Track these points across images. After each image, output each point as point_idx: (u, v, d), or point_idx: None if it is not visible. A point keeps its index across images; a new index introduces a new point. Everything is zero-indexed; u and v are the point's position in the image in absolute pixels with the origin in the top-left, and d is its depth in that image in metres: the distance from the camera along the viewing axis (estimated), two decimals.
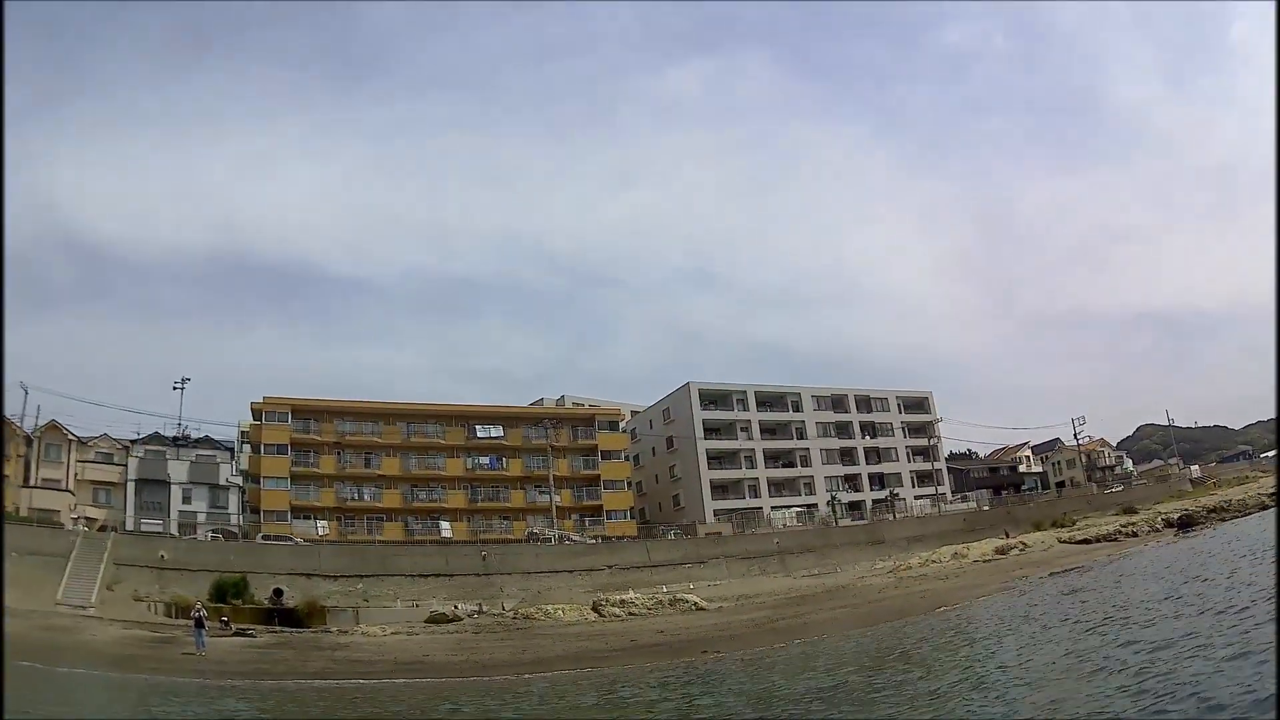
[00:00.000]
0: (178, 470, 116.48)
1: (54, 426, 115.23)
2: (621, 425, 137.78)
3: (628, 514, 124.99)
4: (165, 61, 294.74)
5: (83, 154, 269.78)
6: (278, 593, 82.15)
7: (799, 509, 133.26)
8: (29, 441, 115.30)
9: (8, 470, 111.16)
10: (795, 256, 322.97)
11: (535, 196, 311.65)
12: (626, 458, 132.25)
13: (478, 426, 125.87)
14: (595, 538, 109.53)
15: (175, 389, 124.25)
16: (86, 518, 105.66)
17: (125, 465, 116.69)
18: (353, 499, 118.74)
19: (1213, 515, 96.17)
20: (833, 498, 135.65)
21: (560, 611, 73.07)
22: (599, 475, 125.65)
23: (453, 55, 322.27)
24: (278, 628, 73.12)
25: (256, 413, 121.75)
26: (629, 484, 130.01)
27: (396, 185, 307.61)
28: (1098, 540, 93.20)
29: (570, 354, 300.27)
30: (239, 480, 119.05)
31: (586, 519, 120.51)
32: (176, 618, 74.65)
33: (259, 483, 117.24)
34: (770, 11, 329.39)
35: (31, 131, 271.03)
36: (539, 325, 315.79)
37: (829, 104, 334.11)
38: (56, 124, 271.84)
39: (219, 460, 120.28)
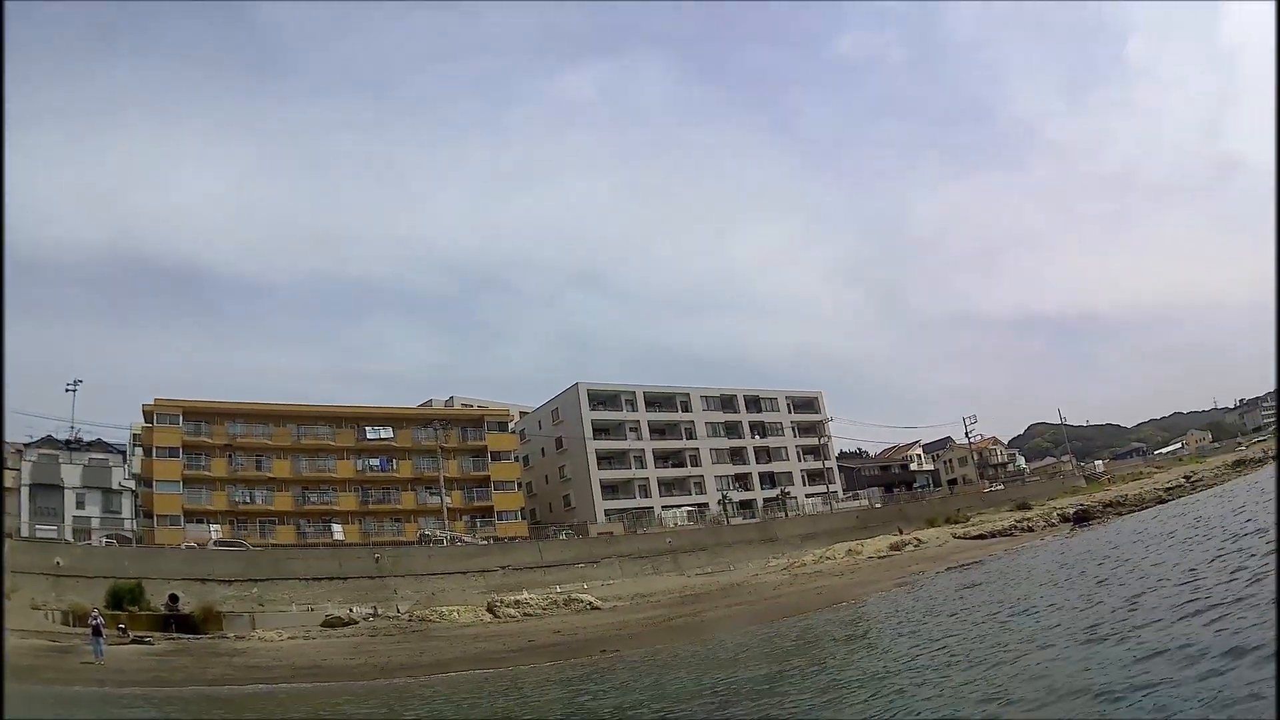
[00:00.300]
0: (71, 474, 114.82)
1: None
2: (511, 426, 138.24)
3: (519, 514, 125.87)
4: (71, 56, 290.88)
5: None
6: (173, 599, 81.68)
7: (690, 508, 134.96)
8: None
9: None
10: (687, 260, 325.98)
11: (427, 200, 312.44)
12: (516, 458, 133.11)
13: (368, 428, 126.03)
14: (487, 539, 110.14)
15: (68, 391, 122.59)
16: None
17: (19, 469, 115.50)
18: (245, 502, 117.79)
19: (1109, 510, 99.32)
20: (724, 497, 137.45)
21: (455, 613, 73.35)
22: (489, 476, 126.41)
23: (351, 57, 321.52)
24: (175, 634, 72.42)
25: (148, 415, 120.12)
26: (519, 485, 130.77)
27: (291, 188, 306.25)
28: (993, 535, 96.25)
29: (461, 356, 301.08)
30: (131, 484, 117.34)
31: (478, 520, 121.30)
32: (74, 626, 74.14)
33: (151, 486, 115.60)
34: (667, 16, 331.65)
35: None
36: (430, 328, 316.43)
37: (723, 109, 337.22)
38: None
39: (112, 464, 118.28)
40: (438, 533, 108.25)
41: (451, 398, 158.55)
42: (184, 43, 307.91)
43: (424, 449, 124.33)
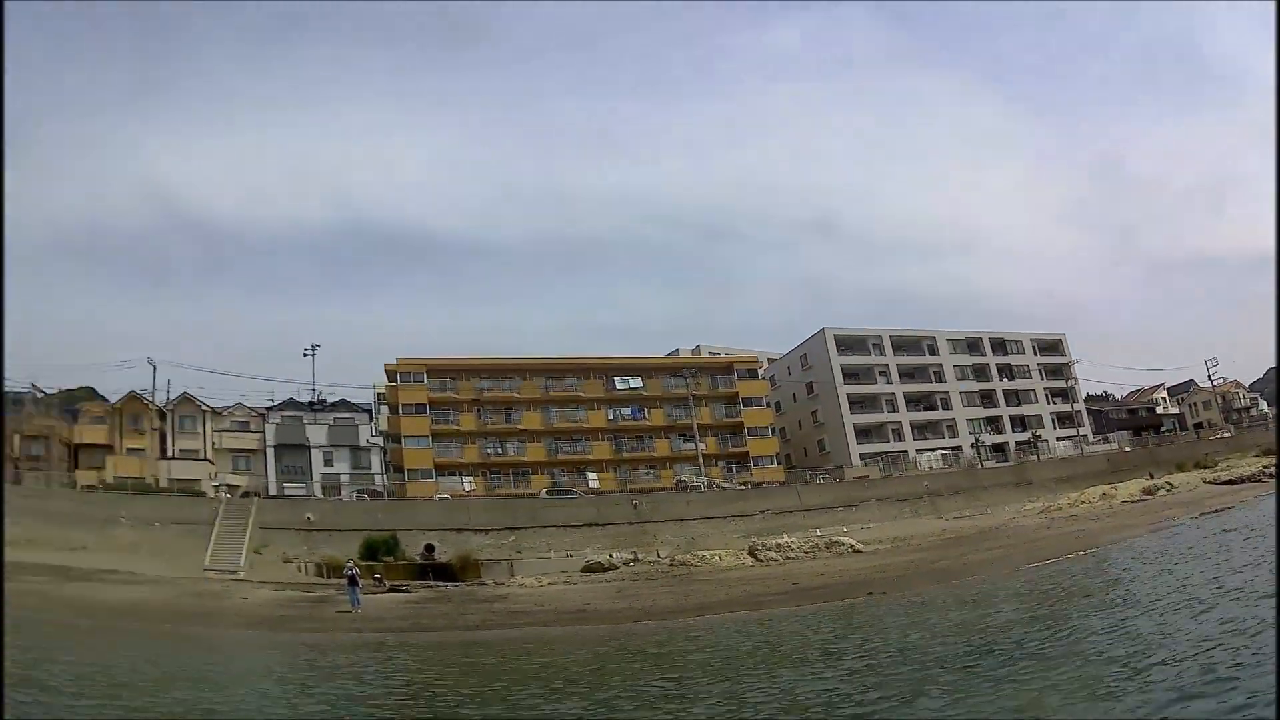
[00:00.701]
0: (316, 434, 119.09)
1: (187, 399, 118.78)
2: (760, 373, 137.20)
3: (774, 460, 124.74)
4: (261, 47, 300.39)
5: (188, 140, 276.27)
6: (429, 548, 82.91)
7: (943, 451, 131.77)
8: (163, 415, 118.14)
9: (146, 444, 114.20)
10: (916, 205, 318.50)
11: (651, 154, 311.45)
12: (768, 404, 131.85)
13: (616, 378, 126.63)
14: (744, 484, 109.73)
15: (305, 356, 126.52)
16: (228, 485, 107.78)
17: (263, 432, 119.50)
18: (496, 454, 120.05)
19: None
20: (976, 440, 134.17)
21: (717, 557, 73.13)
22: (742, 422, 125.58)
23: (554, 19, 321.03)
24: (432, 583, 73.95)
25: (391, 374, 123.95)
26: (773, 430, 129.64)
27: (511, 151, 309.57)
28: (1243, 481, 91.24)
29: (698, 308, 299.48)
30: (379, 441, 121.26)
31: (733, 466, 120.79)
32: (328, 578, 75.63)
33: (400, 442, 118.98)
34: None
35: (134, 120, 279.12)
36: (665, 281, 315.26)
37: (931, 54, 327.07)
38: (157, 112, 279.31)
39: (358, 422, 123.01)
40: (694, 479, 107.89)
41: (698, 346, 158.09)
42: (383, 21, 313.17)
43: (674, 397, 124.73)
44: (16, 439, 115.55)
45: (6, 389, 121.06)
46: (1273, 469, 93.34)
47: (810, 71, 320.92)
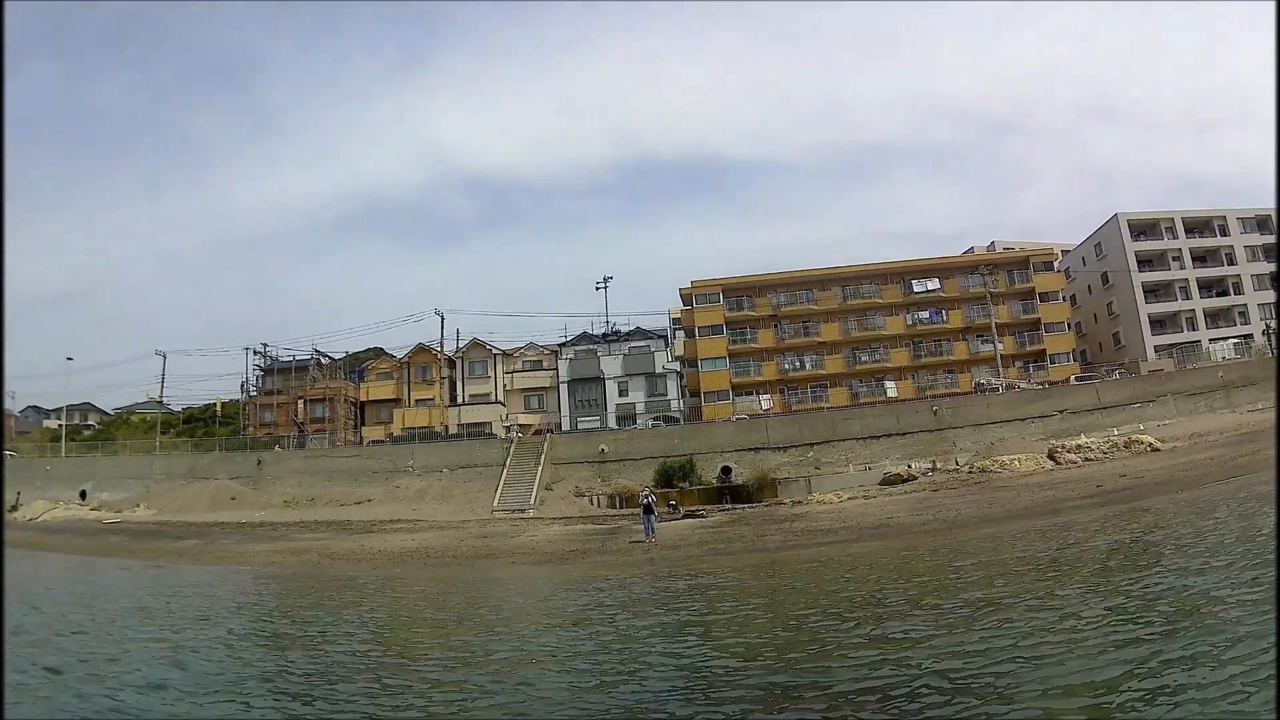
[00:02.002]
0: (610, 365, 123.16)
1: (476, 344, 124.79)
2: (1055, 265, 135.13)
3: (1069, 357, 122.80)
4: None
5: (460, 100, 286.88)
6: (725, 470, 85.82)
7: (1235, 340, 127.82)
8: (451, 363, 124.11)
9: (434, 394, 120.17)
10: (1191, 77, 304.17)
11: (924, 51, 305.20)
12: (1063, 298, 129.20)
13: (913, 282, 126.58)
14: (1041, 383, 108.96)
15: (598, 290, 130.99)
16: (520, 425, 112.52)
17: (555, 369, 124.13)
18: (794, 369, 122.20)
19: None
20: (1268, 327, 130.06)
21: (1016, 462, 73.01)
22: (1039, 319, 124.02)
23: None
24: (729, 505, 76.27)
25: (686, 298, 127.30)
26: (1069, 325, 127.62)
27: (784, 64, 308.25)
28: None
29: (984, 207, 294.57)
30: (675, 366, 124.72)
31: (1030, 365, 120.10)
32: (621, 508, 78.82)
33: (696, 366, 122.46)
34: None
35: (404, 90, 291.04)
36: (950, 180, 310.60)
37: None
38: (430, 78, 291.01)
39: (653, 349, 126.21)
40: (992, 380, 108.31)
41: (992, 243, 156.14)
42: None
43: (972, 297, 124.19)
44: (300, 404, 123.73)
45: (294, 358, 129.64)
46: None
47: None
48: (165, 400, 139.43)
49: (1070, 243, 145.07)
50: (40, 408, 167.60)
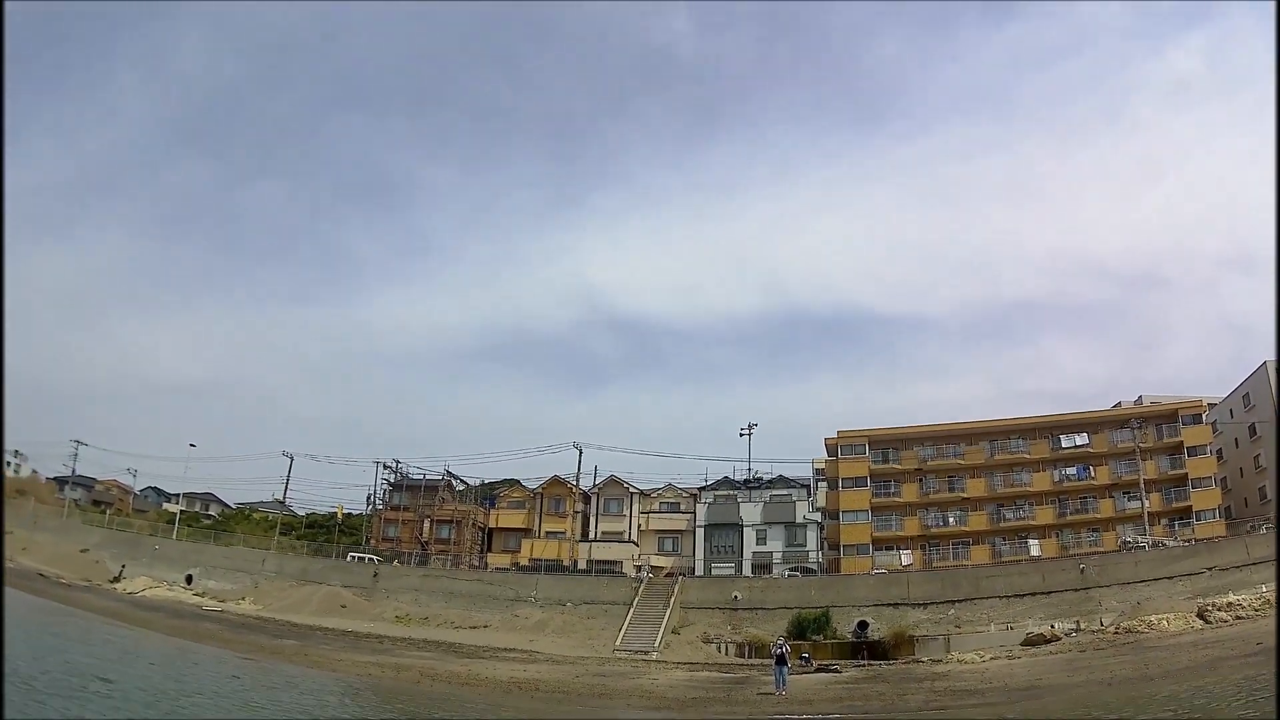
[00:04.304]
0: (750, 512, 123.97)
1: (614, 481, 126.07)
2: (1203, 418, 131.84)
3: (1216, 513, 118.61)
4: (673, 142, 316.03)
5: (611, 241, 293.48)
6: (862, 625, 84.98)
7: None
8: (587, 498, 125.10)
9: (566, 527, 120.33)
10: None
11: (1068, 207, 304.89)
12: (1210, 452, 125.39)
13: (1062, 436, 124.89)
14: (1188, 540, 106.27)
15: (742, 436, 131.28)
16: (651, 566, 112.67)
17: (693, 513, 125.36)
18: (937, 525, 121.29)
19: None
20: None
21: (1164, 622, 71.09)
22: (1186, 475, 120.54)
23: (958, 80, 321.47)
24: (863, 661, 75.67)
25: (831, 448, 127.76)
26: (1215, 481, 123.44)
27: (931, 220, 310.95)
28: None
29: (1126, 362, 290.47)
30: (816, 517, 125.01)
31: (1176, 522, 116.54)
32: (750, 657, 78.46)
33: (838, 518, 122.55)
34: None
35: (559, 227, 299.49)
36: (1092, 337, 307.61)
37: None
38: (583, 219, 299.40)
39: (794, 499, 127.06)
40: (1138, 539, 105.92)
41: (1140, 397, 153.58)
42: (785, 104, 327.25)
43: (1119, 452, 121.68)
44: (427, 523, 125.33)
45: (424, 477, 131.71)
46: None
47: (1212, 94, 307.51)
48: (289, 502, 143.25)
49: (1215, 396, 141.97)
50: (161, 490, 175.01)
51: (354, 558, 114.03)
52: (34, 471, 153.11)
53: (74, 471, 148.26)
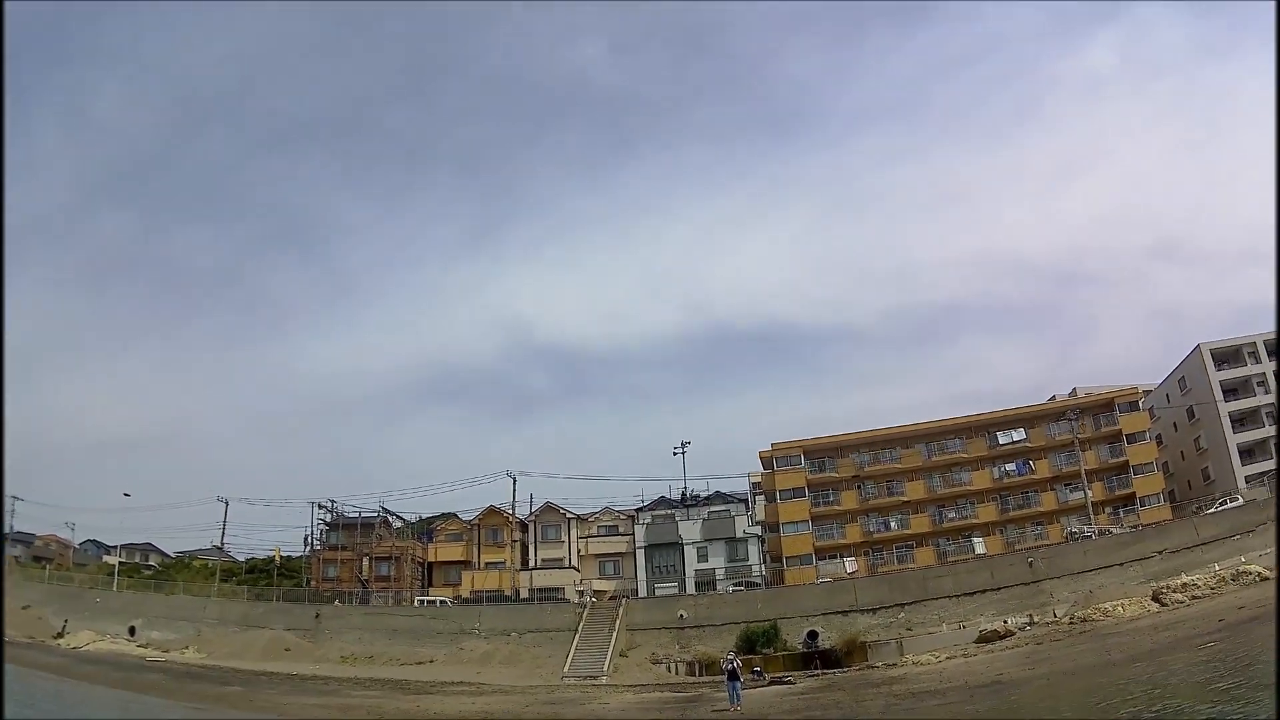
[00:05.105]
0: (690, 530, 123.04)
1: (550, 508, 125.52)
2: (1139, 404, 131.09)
3: (1160, 498, 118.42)
4: (590, 166, 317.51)
5: (535, 270, 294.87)
6: (812, 635, 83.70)
7: None
8: (524, 526, 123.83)
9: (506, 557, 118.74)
10: (1253, 208, 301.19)
11: (991, 208, 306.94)
12: (1149, 438, 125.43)
13: (999, 433, 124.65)
14: (1135, 526, 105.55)
15: (675, 454, 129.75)
16: (594, 590, 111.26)
17: (632, 534, 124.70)
18: (879, 530, 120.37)
19: None
20: None
21: (1120, 608, 70.30)
22: (1127, 462, 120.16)
23: (870, 90, 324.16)
24: (816, 671, 74.69)
25: (766, 460, 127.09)
26: (1157, 466, 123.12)
27: (852, 230, 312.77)
28: None
29: (1059, 357, 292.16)
30: (757, 531, 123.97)
31: (1120, 510, 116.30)
32: (701, 675, 77.29)
33: (778, 530, 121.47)
34: None
35: (480, 258, 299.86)
36: (1023, 335, 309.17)
37: (1239, 40, 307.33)
38: (504, 249, 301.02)
39: (733, 514, 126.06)
40: (1084, 529, 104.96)
41: (1074, 389, 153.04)
42: (698, 124, 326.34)
43: (1058, 444, 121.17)
44: (366, 561, 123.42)
45: (360, 515, 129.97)
46: None
47: (1125, 88, 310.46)
48: (227, 548, 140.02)
49: (1150, 383, 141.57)
50: (101, 542, 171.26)
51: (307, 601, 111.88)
52: None
53: (11, 528, 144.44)
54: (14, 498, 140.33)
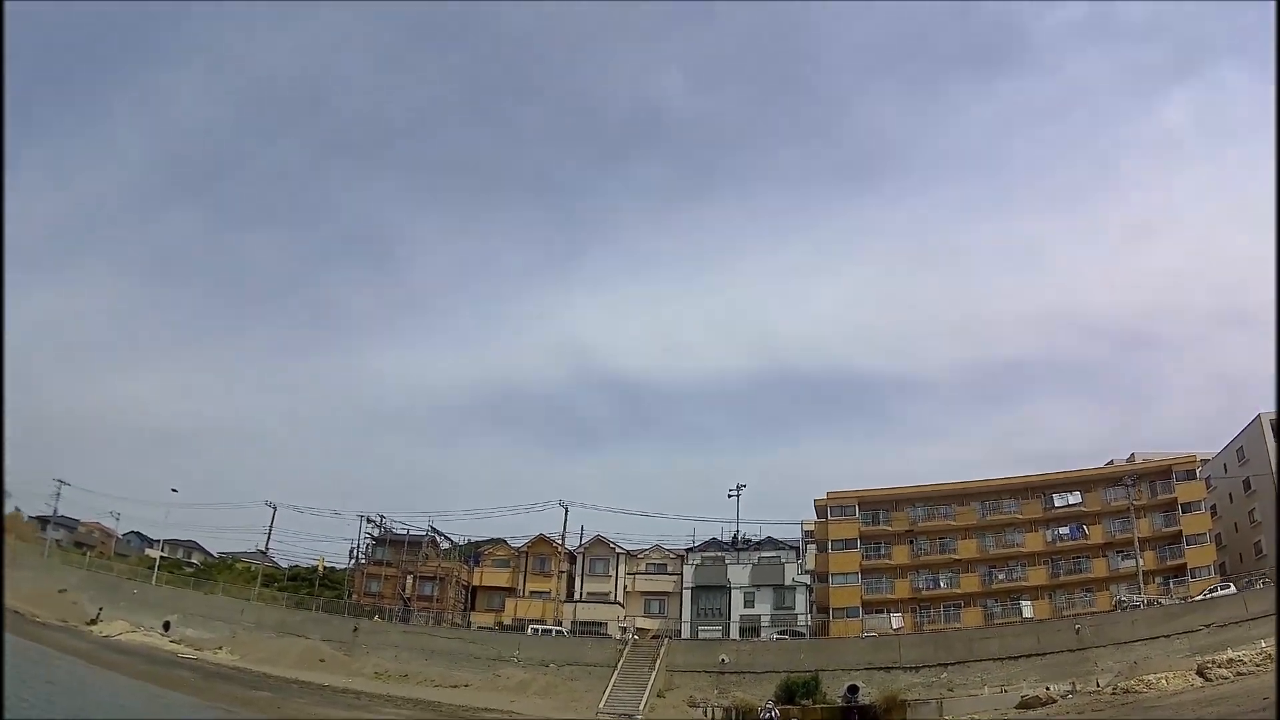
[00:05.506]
0: (738, 574, 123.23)
1: (600, 541, 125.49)
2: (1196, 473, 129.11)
3: (1211, 569, 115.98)
4: (666, 203, 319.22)
5: (606, 302, 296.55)
6: (852, 689, 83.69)
7: None
8: (572, 558, 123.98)
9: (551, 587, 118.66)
10: None
11: (1061, 266, 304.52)
12: (1204, 508, 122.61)
13: (1055, 496, 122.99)
14: (1183, 597, 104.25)
15: (730, 496, 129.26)
16: (637, 628, 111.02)
17: (680, 574, 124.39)
18: (928, 588, 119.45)
19: None
20: None
21: (1163, 681, 69.92)
22: (1180, 532, 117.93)
23: (948, 141, 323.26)
24: None
25: (821, 509, 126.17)
26: (1210, 537, 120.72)
27: (922, 281, 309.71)
28: None
29: (1120, 420, 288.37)
30: (805, 580, 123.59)
31: (1171, 580, 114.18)
32: None
33: (827, 580, 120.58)
34: (1231, 18, 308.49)
35: (550, 285, 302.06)
36: (1085, 396, 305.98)
37: None
38: (574, 278, 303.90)
39: (783, 561, 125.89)
40: (1133, 598, 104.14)
41: (1133, 454, 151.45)
42: (777, 166, 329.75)
43: (1113, 510, 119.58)
44: (410, 579, 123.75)
45: (408, 532, 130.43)
46: None
47: (1203, 149, 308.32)
48: (272, 553, 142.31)
49: (1208, 452, 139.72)
50: (145, 535, 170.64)
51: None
52: (16, 509, 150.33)
53: (56, 511, 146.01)
54: (60, 481, 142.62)
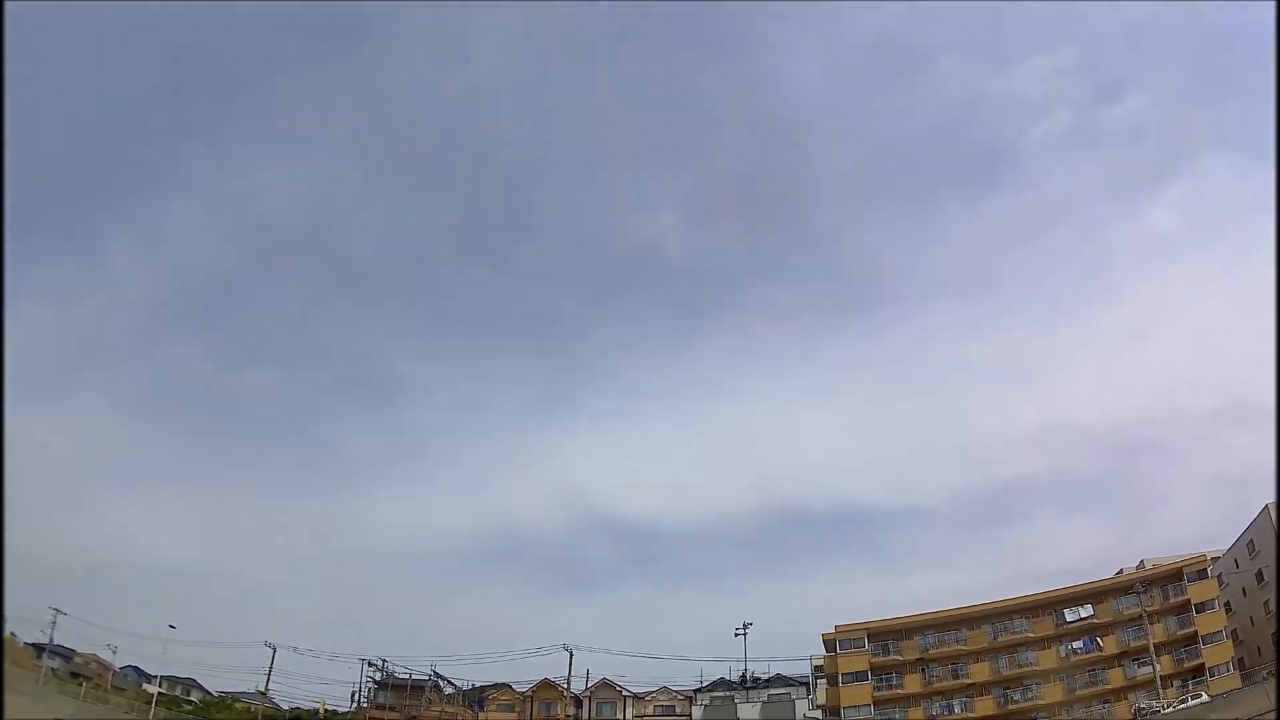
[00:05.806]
0: (748, 712, 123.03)
1: (606, 684, 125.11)
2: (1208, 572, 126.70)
3: (1230, 666, 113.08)
4: (660, 340, 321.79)
5: (601, 441, 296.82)
6: None
7: None
8: (578, 701, 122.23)
9: None
10: None
11: (1057, 379, 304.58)
12: (1218, 606, 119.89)
13: (1066, 610, 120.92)
14: (1198, 694, 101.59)
15: (737, 635, 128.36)
16: None
17: (689, 715, 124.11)
18: (942, 714, 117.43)
19: None
20: None
21: None
22: (1196, 633, 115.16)
23: (940, 262, 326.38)
24: None
25: (829, 643, 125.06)
26: (1226, 634, 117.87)
27: (920, 406, 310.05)
28: None
29: (1126, 528, 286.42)
30: (817, 715, 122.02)
31: (1189, 682, 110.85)
32: None
33: (839, 714, 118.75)
34: (1217, 111, 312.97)
35: (548, 427, 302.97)
36: (1089, 509, 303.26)
37: None
38: (572, 418, 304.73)
39: (794, 697, 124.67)
40: (1152, 704, 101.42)
41: (1141, 561, 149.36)
42: (769, 300, 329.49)
43: (1126, 619, 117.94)
44: None
45: (411, 677, 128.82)
46: None
47: (1195, 244, 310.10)
48: (271, 693, 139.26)
49: (1218, 549, 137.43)
50: (141, 670, 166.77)
51: None
52: (11, 634, 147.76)
53: (52, 640, 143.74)
54: (55, 610, 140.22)
